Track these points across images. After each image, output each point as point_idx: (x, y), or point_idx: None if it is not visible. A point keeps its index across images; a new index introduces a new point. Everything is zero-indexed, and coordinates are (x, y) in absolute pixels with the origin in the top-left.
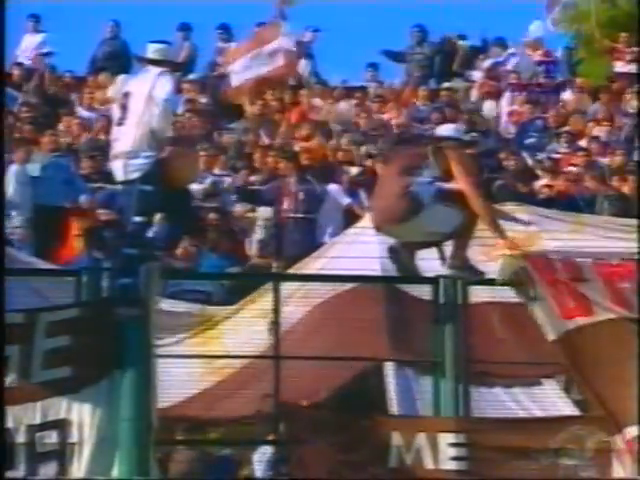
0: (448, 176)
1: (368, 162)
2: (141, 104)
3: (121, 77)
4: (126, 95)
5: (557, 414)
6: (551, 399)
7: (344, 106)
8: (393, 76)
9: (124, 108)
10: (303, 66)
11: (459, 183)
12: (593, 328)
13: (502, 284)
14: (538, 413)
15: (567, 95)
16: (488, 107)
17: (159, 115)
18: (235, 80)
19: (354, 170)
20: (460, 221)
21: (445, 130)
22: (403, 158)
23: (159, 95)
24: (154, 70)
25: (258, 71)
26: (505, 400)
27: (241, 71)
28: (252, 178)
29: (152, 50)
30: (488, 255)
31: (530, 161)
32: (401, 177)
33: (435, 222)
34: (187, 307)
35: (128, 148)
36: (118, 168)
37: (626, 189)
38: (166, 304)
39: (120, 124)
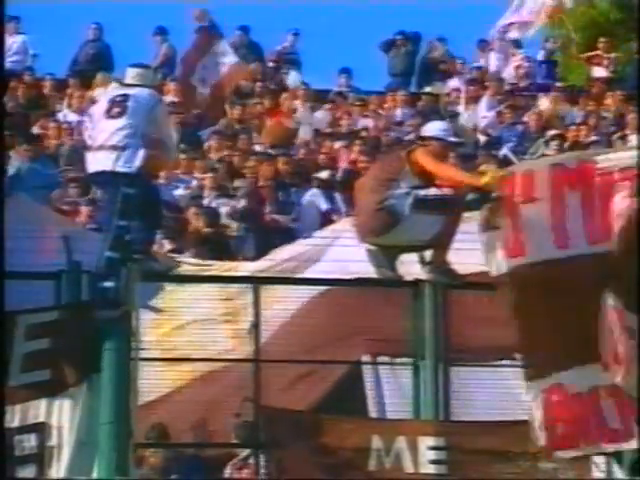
0: (424, 181)
1: (343, 164)
2: (141, 110)
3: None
4: (125, 96)
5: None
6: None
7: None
8: (365, 81)
9: (120, 105)
10: (293, 73)
11: (427, 167)
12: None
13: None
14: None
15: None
16: (468, 111)
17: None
18: None
19: (324, 174)
20: (439, 227)
21: (430, 130)
22: (378, 170)
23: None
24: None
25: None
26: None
27: None
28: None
29: (131, 75)
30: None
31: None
32: (378, 190)
33: (415, 232)
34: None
35: (121, 141)
36: (105, 157)
37: None
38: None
39: (112, 117)
